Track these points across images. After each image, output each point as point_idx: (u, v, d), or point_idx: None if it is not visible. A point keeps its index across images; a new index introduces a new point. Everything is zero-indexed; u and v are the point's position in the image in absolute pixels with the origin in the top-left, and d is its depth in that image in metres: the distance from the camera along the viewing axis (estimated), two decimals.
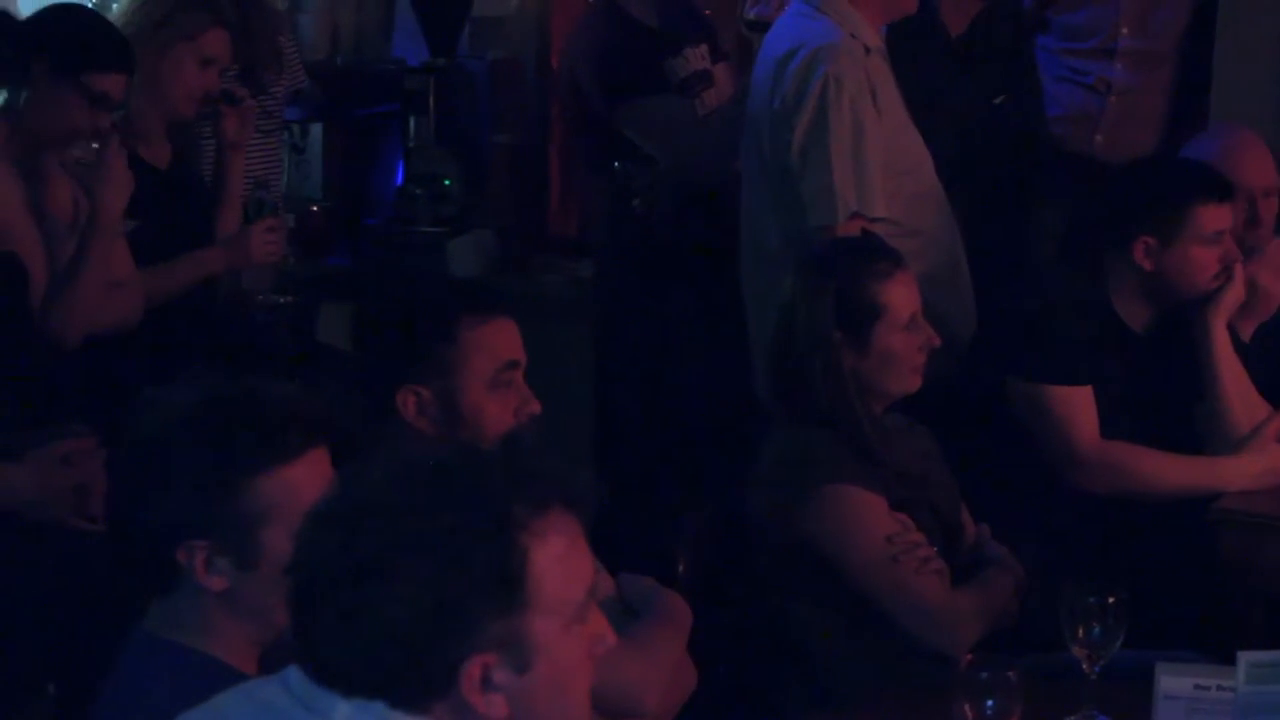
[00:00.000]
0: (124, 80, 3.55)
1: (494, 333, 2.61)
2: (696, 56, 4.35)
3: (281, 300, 4.16)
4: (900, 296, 3.08)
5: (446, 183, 5.23)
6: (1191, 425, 3.56)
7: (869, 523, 2.98)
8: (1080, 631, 2.52)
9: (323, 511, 1.68)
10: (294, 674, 1.67)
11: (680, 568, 3.11)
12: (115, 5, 4.06)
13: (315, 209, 5.08)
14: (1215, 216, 3.47)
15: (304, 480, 2.01)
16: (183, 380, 2.08)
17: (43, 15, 3.63)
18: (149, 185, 3.73)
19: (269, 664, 2.03)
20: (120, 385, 3.37)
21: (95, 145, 3.48)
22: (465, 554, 1.61)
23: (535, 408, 2.62)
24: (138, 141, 3.79)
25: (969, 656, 2.42)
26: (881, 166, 3.60)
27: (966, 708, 2.32)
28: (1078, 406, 3.45)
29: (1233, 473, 3.45)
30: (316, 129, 5.18)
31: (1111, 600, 2.52)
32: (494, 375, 2.59)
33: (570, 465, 1.69)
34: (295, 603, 1.66)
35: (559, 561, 1.65)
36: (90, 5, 4.01)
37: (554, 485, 1.67)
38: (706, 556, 3.18)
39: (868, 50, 3.65)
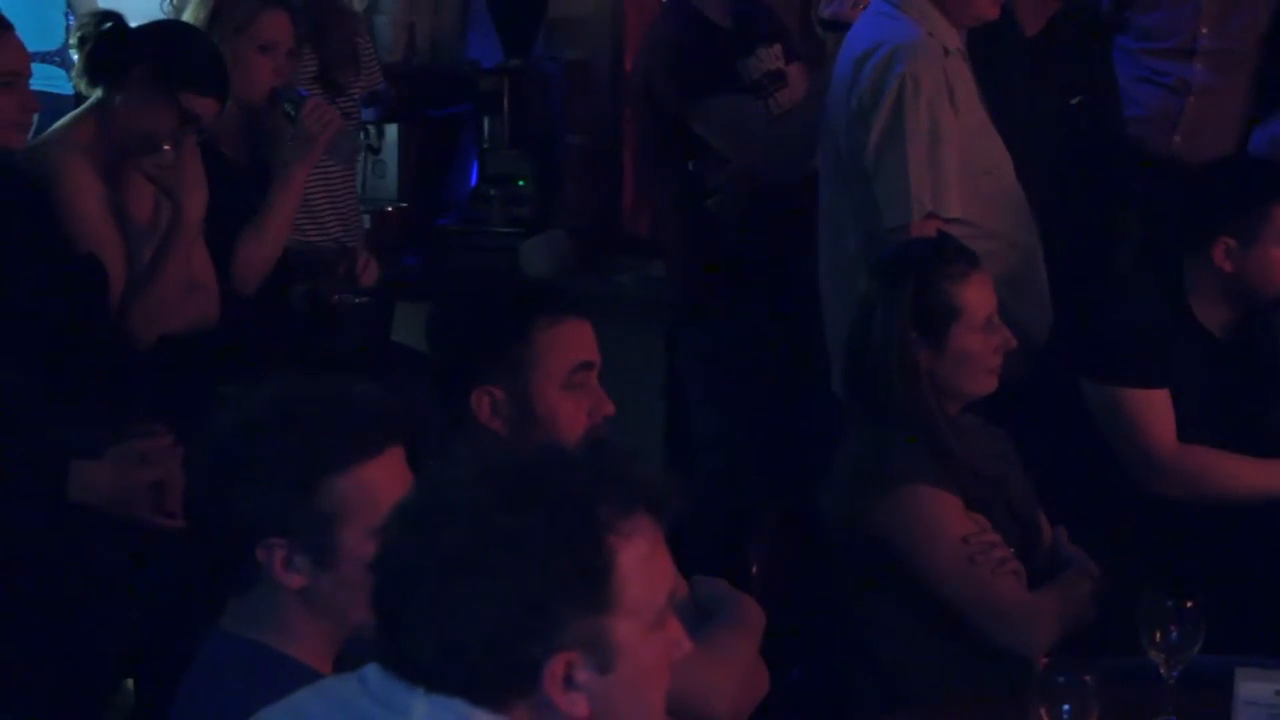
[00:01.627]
0: (217, 106, 3.58)
1: (568, 333, 2.62)
2: (770, 56, 4.34)
3: (356, 300, 4.18)
4: (977, 297, 3.07)
5: (520, 183, 5.25)
6: (1270, 428, 3.52)
7: (945, 523, 2.97)
8: (1158, 635, 2.50)
9: (409, 508, 1.70)
10: (372, 672, 1.68)
11: (753, 570, 3.10)
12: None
13: (390, 210, 5.11)
14: None
15: (380, 480, 2.03)
16: (261, 380, 2.10)
17: (153, 27, 3.67)
18: (229, 181, 3.76)
19: (343, 664, 2.05)
20: (198, 384, 3.41)
21: (167, 148, 3.52)
22: (552, 552, 1.62)
23: (609, 409, 2.63)
24: (219, 139, 3.82)
25: (1045, 659, 2.40)
26: (958, 167, 3.58)
27: (1042, 711, 2.31)
28: (1155, 410, 3.42)
29: None
30: (392, 130, 5.20)
31: (1189, 604, 2.49)
32: (568, 376, 2.60)
33: (655, 470, 1.70)
34: (379, 598, 1.67)
35: (643, 564, 1.66)
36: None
37: (640, 489, 1.68)
38: (780, 558, 3.17)
39: (947, 51, 3.64)
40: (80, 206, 3.49)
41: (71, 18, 4.71)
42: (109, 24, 3.56)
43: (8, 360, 3.14)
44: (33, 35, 3.72)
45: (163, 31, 3.67)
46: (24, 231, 3.34)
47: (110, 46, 3.52)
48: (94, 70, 3.55)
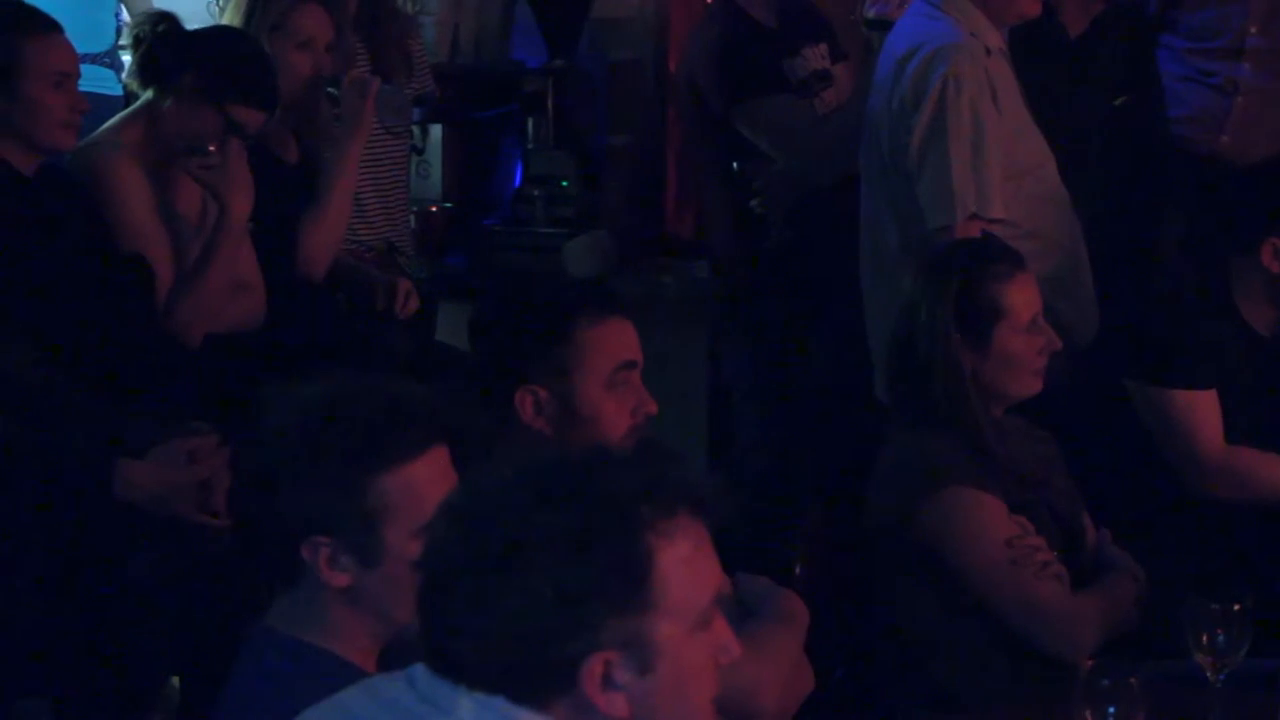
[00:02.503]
0: (263, 118, 3.60)
1: (611, 333, 2.62)
2: (815, 56, 4.34)
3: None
4: (1021, 298, 3.05)
5: (564, 184, 5.25)
6: None
7: (988, 525, 2.96)
8: (1204, 639, 2.48)
9: (453, 504, 1.70)
10: (419, 671, 1.69)
11: (797, 568, 3.10)
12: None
13: (434, 209, 5.12)
14: None
15: (425, 478, 2.03)
16: (306, 379, 2.11)
17: (208, 33, 3.70)
18: (278, 179, 3.78)
19: (387, 663, 2.05)
20: (243, 383, 3.43)
21: (213, 149, 3.54)
22: (590, 550, 1.62)
23: (652, 408, 2.63)
24: (268, 138, 3.84)
25: (1089, 662, 2.39)
26: (1001, 168, 3.57)
27: (1087, 714, 2.29)
28: (1202, 411, 3.40)
29: None
30: (436, 130, 5.22)
31: (1236, 608, 2.48)
32: (611, 375, 2.60)
33: (698, 471, 1.70)
34: (423, 594, 1.68)
35: (685, 564, 1.65)
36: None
37: (683, 490, 1.67)
38: (823, 557, 3.17)
39: (989, 51, 3.62)
40: (127, 207, 3.51)
41: (123, 18, 4.73)
42: (163, 26, 3.57)
43: (55, 359, 3.16)
44: (82, 37, 3.75)
45: (216, 39, 3.68)
46: (72, 231, 3.37)
47: (163, 49, 3.54)
48: (145, 72, 3.57)
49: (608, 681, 1.64)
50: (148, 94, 3.59)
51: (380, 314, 3.98)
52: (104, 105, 4.01)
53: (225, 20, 3.92)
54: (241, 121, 3.54)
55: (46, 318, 3.22)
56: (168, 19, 3.62)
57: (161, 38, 3.55)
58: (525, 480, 1.66)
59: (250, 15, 3.85)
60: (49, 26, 3.33)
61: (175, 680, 3.31)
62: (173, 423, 3.19)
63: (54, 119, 3.29)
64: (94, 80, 4.27)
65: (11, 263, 3.17)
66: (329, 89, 3.90)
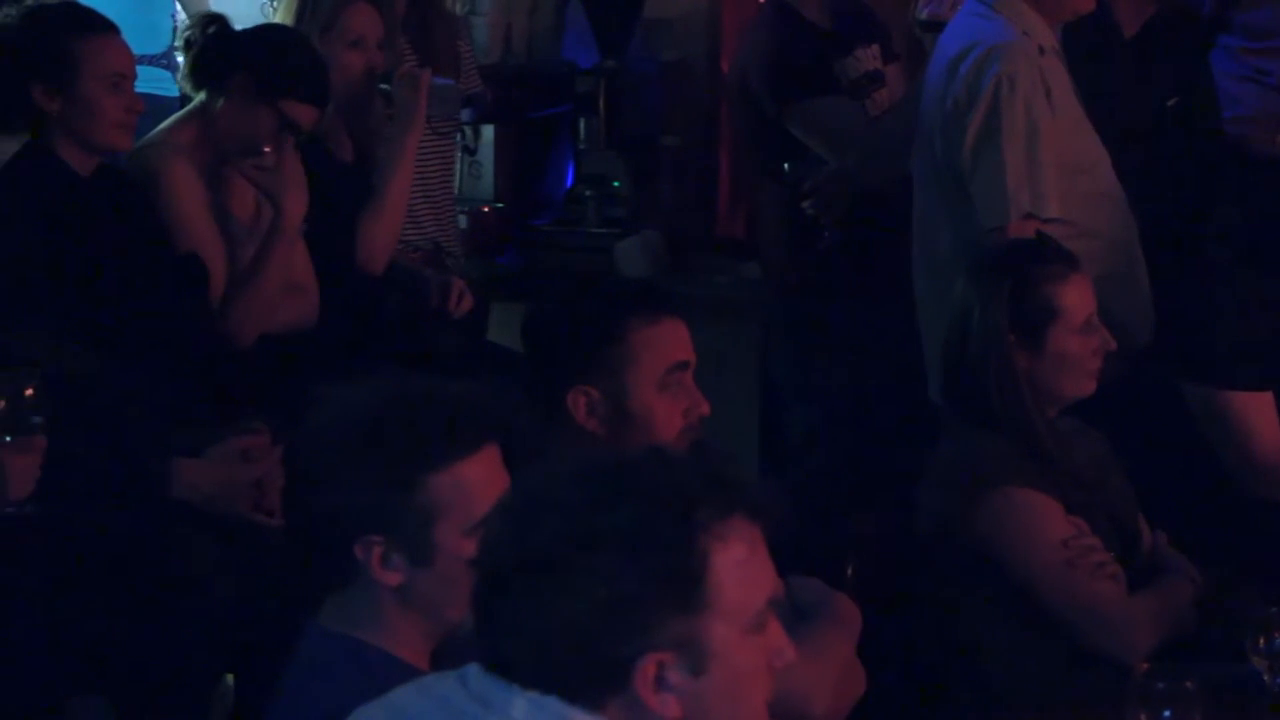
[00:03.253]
0: (316, 114, 3.62)
1: (663, 333, 2.62)
2: (868, 57, 4.33)
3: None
4: (1076, 298, 3.04)
5: (615, 184, 5.26)
6: None
7: (1043, 527, 2.94)
8: (1261, 642, 2.46)
9: (509, 503, 1.71)
10: (473, 671, 1.69)
11: (849, 570, 3.09)
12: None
13: (486, 210, 5.13)
14: None
15: (476, 478, 2.04)
16: (358, 378, 2.12)
17: (257, 32, 3.71)
18: (333, 177, 3.79)
19: (439, 662, 2.06)
20: (297, 383, 3.44)
21: (267, 150, 3.56)
22: (644, 550, 1.62)
23: (704, 409, 2.62)
24: (323, 136, 3.85)
25: (1145, 665, 2.37)
26: (1056, 167, 3.55)
27: (1142, 717, 2.28)
28: (1260, 413, 3.38)
29: None
30: (489, 131, 5.22)
31: None
32: (663, 376, 2.60)
33: (754, 473, 1.69)
34: (478, 593, 1.68)
35: (739, 567, 1.65)
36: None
37: (739, 492, 1.67)
38: (876, 559, 3.16)
39: (1042, 50, 3.61)
40: (182, 207, 3.53)
41: (179, 19, 4.76)
42: (214, 28, 3.59)
43: (111, 358, 3.18)
44: (139, 38, 3.78)
45: (266, 38, 3.70)
46: (127, 231, 3.39)
47: (214, 51, 3.57)
48: (197, 74, 3.59)
49: (661, 682, 1.64)
50: (200, 96, 3.61)
51: (434, 313, 3.98)
52: (160, 106, 4.04)
53: (279, 16, 3.93)
54: (294, 118, 3.56)
55: (103, 317, 3.24)
56: (218, 20, 3.64)
57: (212, 39, 3.57)
58: (582, 480, 1.66)
59: (301, 16, 3.86)
60: (105, 28, 3.36)
61: (229, 678, 3.32)
62: (228, 422, 3.21)
63: (110, 120, 3.31)
64: (150, 81, 4.29)
65: (68, 263, 3.19)
66: (381, 85, 3.91)
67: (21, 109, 3.29)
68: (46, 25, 3.32)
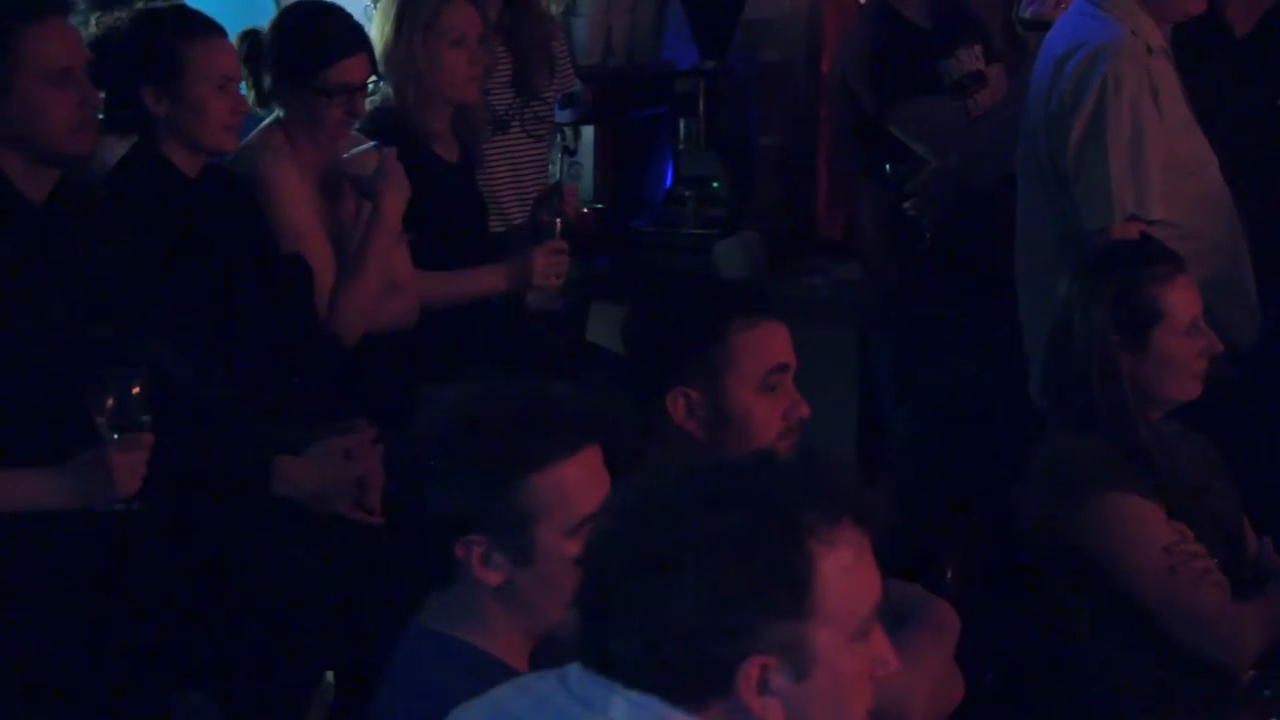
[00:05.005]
0: (359, 60, 3.60)
1: (764, 335, 2.61)
2: (970, 57, 4.30)
3: (552, 304, 4.21)
4: (1181, 300, 3.01)
5: (715, 185, 5.25)
6: None
7: (1146, 531, 2.91)
8: None
9: (618, 503, 1.72)
10: (574, 671, 1.70)
11: (948, 574, 3.07)
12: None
13: (586, 210, 5.15)
14: None
15: (577, 478, 2.04)
16: (460, 379, 2.13)
17: (271, 35, 3.70)
18: (441, 178, 3.81)
19: (537, 663, 2.07)
20: (399, 383, 3.47)
21: (373, 144, 3.57)
22: (751, 553, 1.62)
23: (804, 411, 2.61)
24: (431, 139, 3.87)
25: (1251, 672, 2.35)
26: (1162, 168, 3.52)
27: None
28: None
29: None
30: (588, 132, 5.24)
31: None
32: (763, 378, 2.59)
33: (866, 482, 1.68)
34: (584, 591, 1.69)
35: (846, 573, 1.65)
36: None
37: (847, 498, 1.67)
38: (974, 563, 3.14)
39: (1150, 49, 3.57)
40: (287, 208, 3.57)
41: None
42: (244, 45, 3.60)
43: (216, 357, 3.22)
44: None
45: (276, 31, 3.67)
46: (234, 232, 3.43)
47: (258, 68, 3.60)
48: (257, 96, 3.63)
49: (764, 686, 1.63)
50: (274, 110, 3.66)
51: (550, 211, 3.93)
52: None
53: (375, 22, 3.95)
54: (341, 81, 3.56)
55: (208, 317, 3.28)
56: (249, 36, 3.64)
57: (246, 61, 3.60)
58: (691, 482, 1.66)
59: (401, 16, 3.88)
60: (213, 30, 3.39)
61: (329, 676, 3.35)
62: (330, 421, 3.24)
63: (217, 122, 3.35)
64: None
65: (175, 262, 3.23)
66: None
67: (131, 111, 3.34)
68: (155, 28, 3.36)
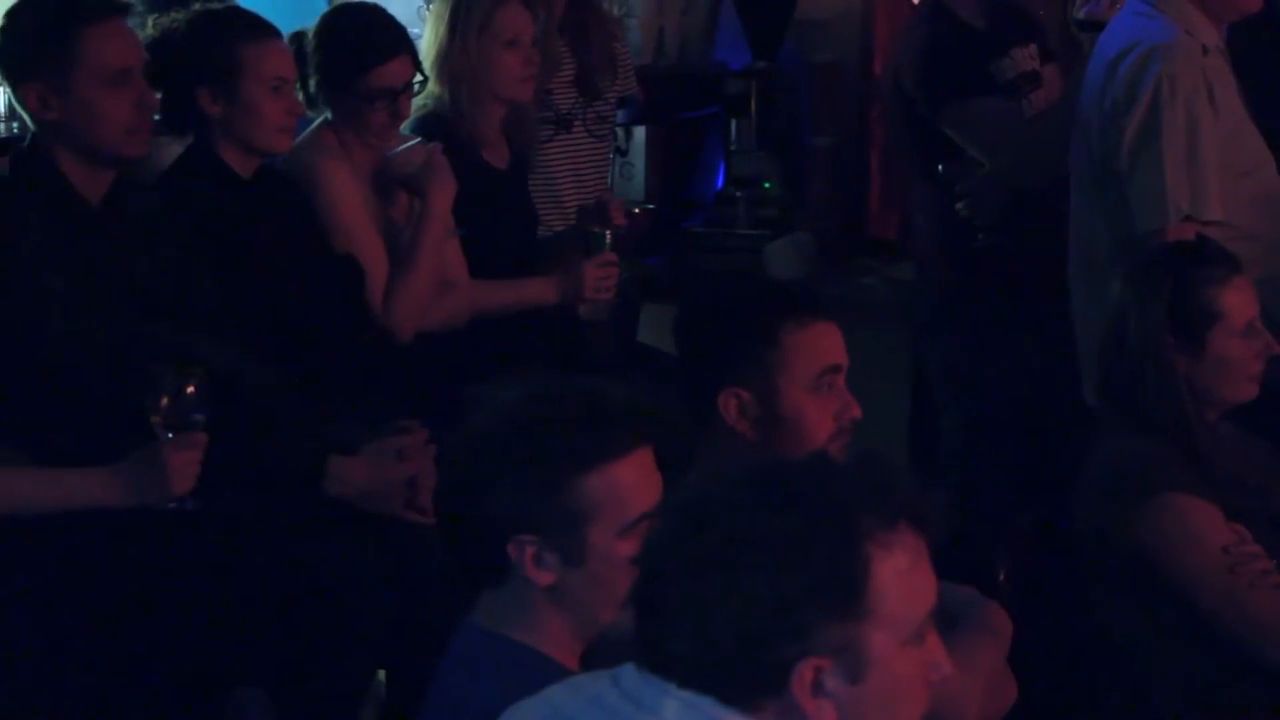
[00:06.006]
0: (401, 63, 3.60)
1: (816, 336, 2.61)
2: (1024, 57, 4.27)
3: (605, 312, 4.20)
4: (1237, 301, 2.99)
5: (766, 185, 5.25)
6: None
7: (1203, 533, 2.89)
8: None
9: (675, 503, 1.72)
10: (626, 670, 1.70)
11: (1001, 577, 3.06)
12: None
13: (637, 211, 5.15)
14: None
15: (629, 479, 2.05)
16: (512, 379, 2.13)
17: (314, 40, 3.71)
18: (489, 184, 3.82)
19: (589, 664, 2.07)
20: (451, 382, 3.48)
21: (418, 140, 3.58)
22: (808, 555, 1.62)
23: (856, 412, 2.61)
24: (480, 145, 3.87)
25: None
26: (1218, 169, 3.49)
27: None
28: None
29: None
30: (640, 132, 5.25)
31: None
32: (815, 379, 2.59)
33: (923, 487, 1.68)
34: (641, 590, 1.69)
35: (902, 577, 1.65)
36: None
37: (905, 502, 1.67)
38: (1028, 565, 3.12)
39: (1206, 49, 3.55)
40: (339, 208, 3.58)
41: None
42: (294, 44, 3.62)
43: (268, 357, 3.24)
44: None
45: (320, 38, 3.69)
46: (287, 232, 3.45)
47: (301, 72, 3.61)
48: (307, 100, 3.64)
49: (818, 688, 1.64)
50: (325, 113, 3.67)
51: (596, 220, 3.93)
52: None
53: (429, 24, 3.96)
54: (383, 85, 3.57)
55: (262, 316, 3.30)
56: (297, 39, 3.65)
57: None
58: (749, 484, 1.67)
59: (455, 18, 3.88)
60: (267, 32, 3.41)
61: (381, 674, 3.36)
62: (383, 421, 3.25)
63: (271, 123, 3.36)
64: None
65: (230, 262, 3.25)
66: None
67: (187, 112, 3.36)
68: (211, 30, 3.37)
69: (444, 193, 3.59)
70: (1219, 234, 3.41)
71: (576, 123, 4.29)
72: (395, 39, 3.65)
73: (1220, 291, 2.99)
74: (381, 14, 3.72)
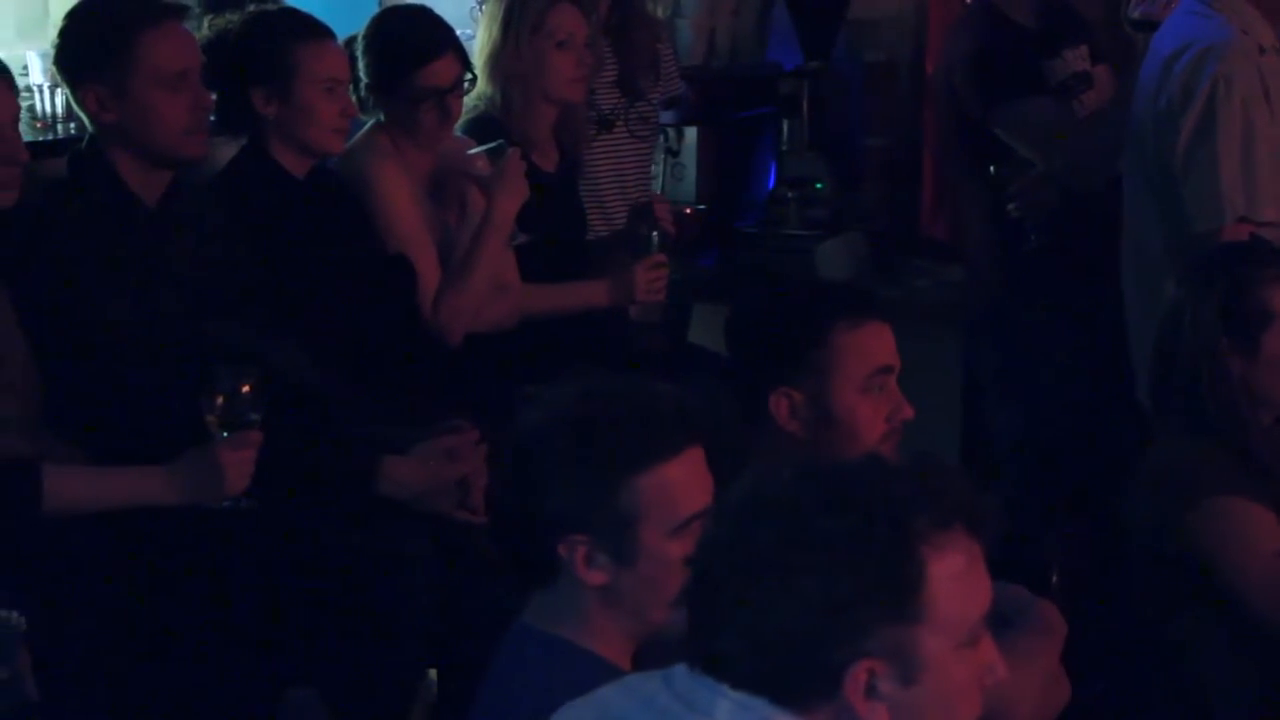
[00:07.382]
0: (446, 62, 3.61)
1: (868, 337, 2.60)
2: (1076, 58, 4.25)
3: (655, 317, 4.21)
4: None
5: (818, 186, 5.24)
6: None
7: (1258, 537, 2.87)
8: None
9: (729, 504, 1.72)
10: (679, 672, 1.70)
11: (1054, 578, 3.05)
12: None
13: (689, 211, 5.15)
14: None
15: (680, 479, 2.05)
16: (564, 380, 2.14)
17: (362, 43, 3.72)
18: (536, 186, 3.83)
19: (641, 664, 2.07)
20: (503, 383, 3.49)
21: (499, 143, 3.59)
22: (862, 557, 1.62)
23: (908, 413, 2.60)
24: (530, 147, 3.88)
25: None
26: (1273, 169, 3.46)
27: None
28: None
29: None
30: (691, 133, 5.24)
31: None
32: (866, 380, 2.58)
33: (978, 489, 1.68)
34: (694, 590, 1.69)
35: (956, 580, 1.65)
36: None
37: (960, 505, 1.67)
38: (1081, 565, 3.11)
39: (1262, 49, 3.52)
40: (392, 209, 3.60)
41: None
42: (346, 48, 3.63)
43: (322, 358, 3.25)
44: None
45: (370, 38, 3.70)
46: (340, 233, 3.46)
47: (353, 75, 3.63)
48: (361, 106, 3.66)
49: (871, 690, 1.64)
50: (378, 115, 3.68)
51: (643, 240, 3.93)
52: None
53: (482, 24, 3.97)
54: (431, 85, 3.58)
55: (316, 317, 3.32)
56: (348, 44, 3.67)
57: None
58: (804, 484, 1.67)
59: (508, 18, 3.89)
60: (321, 33, 3.42)
61: (433, 673, 3.38)
62: (434, 421, 3.26)
63: (325, 124, 3.38)
64: None
65: (283, 263, 3.27)
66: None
67: (242, 113, 3.38)
68: (266, 31, 3.39)
69: (512, 200, 3.59)
70: (1274, 234, 3.39)
71: (619, 123, 4.30)
72: (441, 38, 3.66)
73: (1275, 292, 2.96)
74: (428, 14, 3.73)
